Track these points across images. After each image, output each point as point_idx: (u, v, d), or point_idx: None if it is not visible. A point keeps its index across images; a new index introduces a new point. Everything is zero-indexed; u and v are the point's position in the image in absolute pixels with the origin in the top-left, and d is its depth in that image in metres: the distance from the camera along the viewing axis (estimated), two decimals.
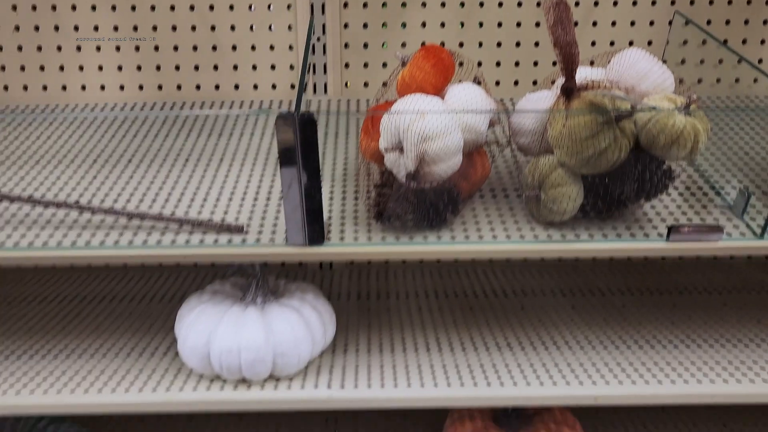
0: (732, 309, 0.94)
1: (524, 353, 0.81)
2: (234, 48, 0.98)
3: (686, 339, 0.85)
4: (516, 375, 0.76)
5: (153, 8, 0.95)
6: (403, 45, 0.99)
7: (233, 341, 0.71)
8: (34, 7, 0.94)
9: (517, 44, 1.00)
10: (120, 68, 0.99)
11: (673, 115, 0.62)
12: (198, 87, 1.01)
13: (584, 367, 0.78)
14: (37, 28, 0.96)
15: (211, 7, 0.96)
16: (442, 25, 0.97)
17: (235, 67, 1.00)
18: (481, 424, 0.85)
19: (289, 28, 0.97)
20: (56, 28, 0.96)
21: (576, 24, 0.94)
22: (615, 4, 0.97)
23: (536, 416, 0.87)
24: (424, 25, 0.97)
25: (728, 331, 0.87)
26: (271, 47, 0.98)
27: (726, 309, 0.94)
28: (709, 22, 0.99)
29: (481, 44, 0.99)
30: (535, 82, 1.03)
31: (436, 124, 0.62)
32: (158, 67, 0.99)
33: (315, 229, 0.67)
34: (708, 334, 0.86)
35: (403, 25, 0.98)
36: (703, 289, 1.01)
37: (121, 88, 1.01)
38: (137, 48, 0.98)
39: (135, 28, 0.97)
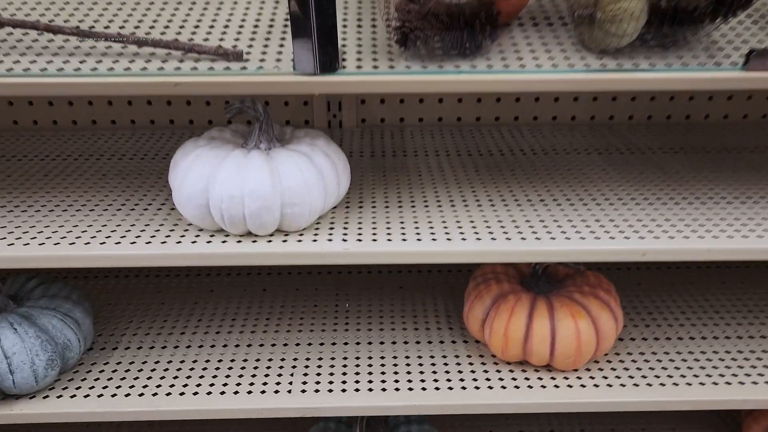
0: None
1: (560, 209, 0.73)
2: None
3: (732, 196, 0.76)
4: (553, 229, 0.68)
5: None
6: None
7: (235, 186, 0.62)
8: None
9: None
10: None
11: None
12: None
13: (629, 222, 0.69)
14: None
15: None
16: None
17: None
18: (508, 287, 0.78)
19: None
20: None
21: None
22: None
23: (567, 279, 0.80)
24: None
25: None
26: None
27: None
28: None
29: None
30: None
31: None
32: None
33: (328, 53, 0.56)
34: (753, 192, 0.77)
35: None
36: (755, 148, 0.91)
37: None
38: None
39: None
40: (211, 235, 0.67)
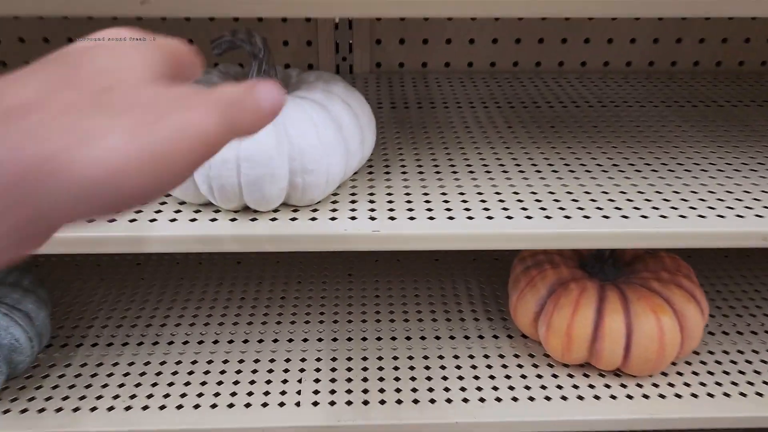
0: None
1: (642, 176, 0.57)
2: None
3: None
4: (641, 204, 0.52)
5: None
6: None
7: (228, 147, 0.45)
8: None
9: None
10: None
11: None
12: None
13: (735, 195, 0.54)
14: None
15: None
16: None
17: None
18: (568, 273, 0.63)
19: None
20: None
21: None
22: None
23: (637, 263, 0.65)
24: None
25: None
26: None
27: None
28: None
29: None
30: None
31: None
32: None
33: None
34: None
35: None
36: None
37: None
38: None
39: None
40: (196, 211, 0.51)
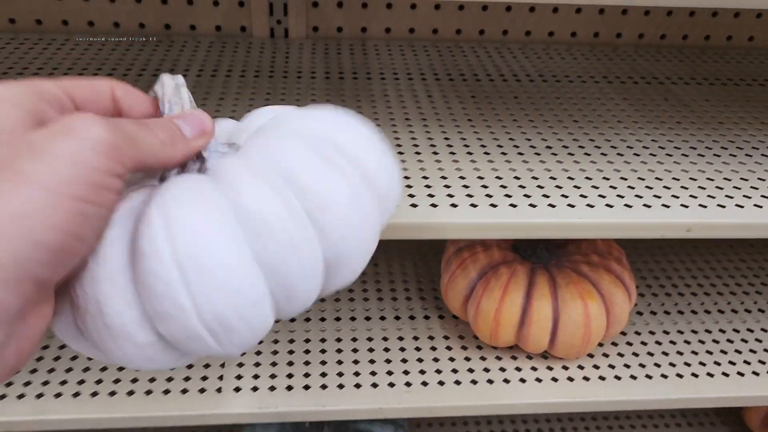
0: None
1: (574, 160, 0.56)
2: None
3: None
4: (570, 192, 0.51)
5: None
6: None
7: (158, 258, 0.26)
8: None
9: None
10: None
11: None
12: None
13: (663, 183, 0.53)
14: None
15: None
16: None
17: None
18: (499, 255, 0.62)
19: None
20: None
21: None
22: None
23: (571, 245, 0.65)
24: None
25: None
26: None
27: None
28: None
29: None
30: None
31: None
32: None
33: None
34: None
35: None
36: None
37: None
38: None
39: None
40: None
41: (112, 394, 0.57)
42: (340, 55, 0.76)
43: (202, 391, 0.58)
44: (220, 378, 0.59)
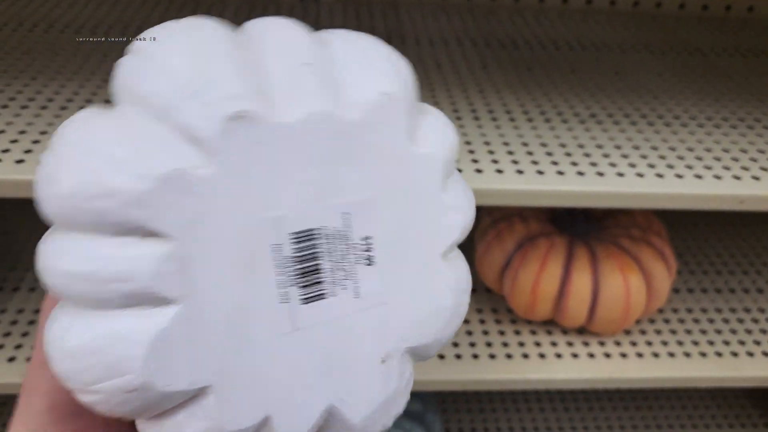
0: None
1: (620, 130, 0.54)
2: None
3: None
4: (618, 160, 0.49)
5: None
6: None
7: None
8: None
9: None
10: None
11: None
12: None
13: (713, 154, 0.51)
14: None
15: None
16: None
17: None
18: (537, 227, 0.60)
19: None
20: None
21: None
22: None
23: (610, 219, 0.63)
24: None
25: None
26: None
27: None
28: None
29: None
30: None
31: None
32: None
33: None
34: None
35: None
36: None
37: None
38: None
39: None
40: None
41: None
42: (372, 18, 0.74)
43: None
44: None
